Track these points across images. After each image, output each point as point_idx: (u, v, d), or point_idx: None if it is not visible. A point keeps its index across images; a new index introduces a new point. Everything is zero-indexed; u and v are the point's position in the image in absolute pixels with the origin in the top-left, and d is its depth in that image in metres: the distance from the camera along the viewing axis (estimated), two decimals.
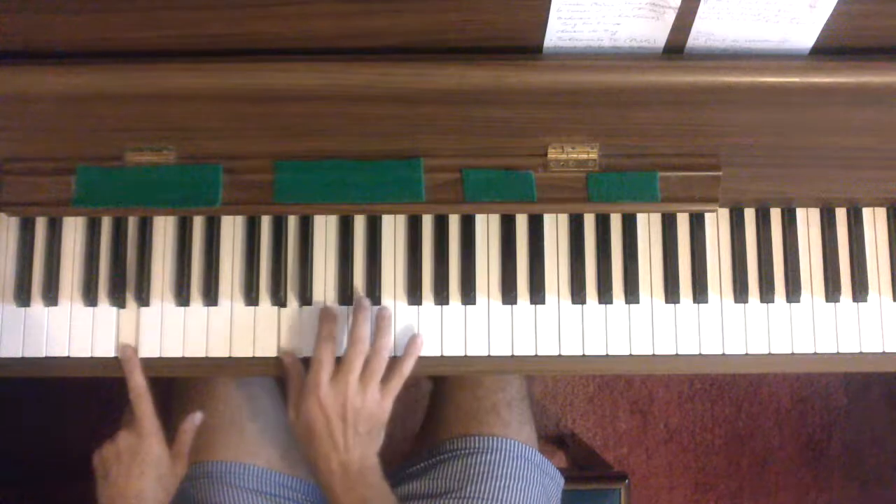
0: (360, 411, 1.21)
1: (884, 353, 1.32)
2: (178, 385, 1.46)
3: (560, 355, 1.30)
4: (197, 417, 1.30)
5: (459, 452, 1.39)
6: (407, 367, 1.27)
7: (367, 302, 1.29)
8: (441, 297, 1.30)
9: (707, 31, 1.13)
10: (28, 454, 2.28)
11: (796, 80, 1.13)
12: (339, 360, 1.24)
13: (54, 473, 2.26)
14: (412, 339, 1.29)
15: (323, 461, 1.21)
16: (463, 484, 1.35)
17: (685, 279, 1.32)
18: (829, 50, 1.15)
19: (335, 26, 1.12)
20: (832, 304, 1.32)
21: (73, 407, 2.28)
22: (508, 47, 1.15)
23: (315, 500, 1.43)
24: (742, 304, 1.32)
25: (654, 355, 1.30)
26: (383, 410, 1.24)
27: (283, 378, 1.29)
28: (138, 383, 1.26)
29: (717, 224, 1.33)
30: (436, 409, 1.51)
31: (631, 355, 1.31)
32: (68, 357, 1.30)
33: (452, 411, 1.46)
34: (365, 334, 1.25)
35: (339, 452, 1.20)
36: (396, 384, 1.25)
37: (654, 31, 1.13)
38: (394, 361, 1.26)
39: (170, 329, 1.30)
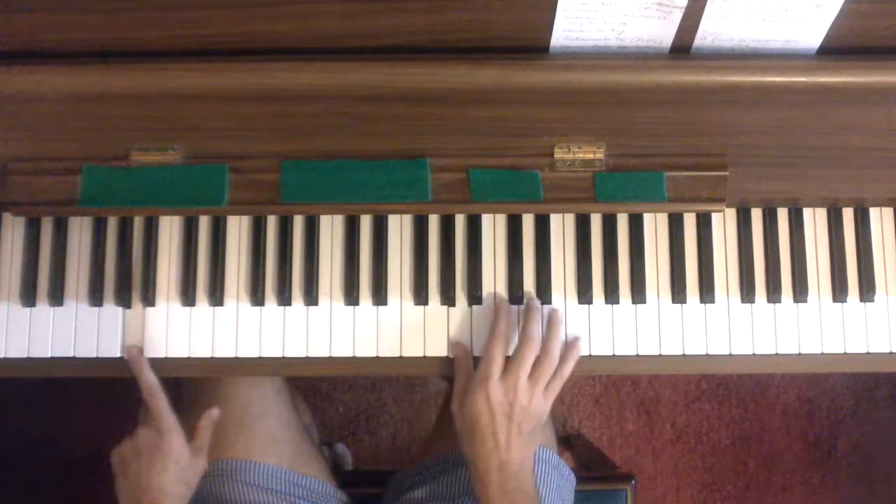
0: (525, 410, 1.21)
1: (891, 353, 1.31)
2: (188, 384, 1.46)
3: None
4: (214, 413, 1.30)
5: None
6: (567, 370, 1.26)
7: (537, 302, 1.29)
8: (447, 297, 1.30)
9: (714, 30, 1.13)
10: (31, 454, 2.28)
11: (803, 79, 1.13)
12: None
13: (56, 473, 2.27)
14: (573, 342, 1.29)
15: (482, 459, 1.20)
16: None
17: (692, 279, 1.32)
18: (836, 50, 1.15)
19: (342, 26, 1.12)
20: (839, 304, 1.32)
21: (75, 407, 2.28)
22: (515, 47, 1.15)
23: (324, 498, 1.43)
24: (749, 304, 1.31)
25: (660, 355, 1.30)
26: (544, 412, 1.24)
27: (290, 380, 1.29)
28: (149, 381, 1.26)
29: (723, 224, 1.33)
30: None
31: (637, 355, 1.30)
32: (74, 357, 1.30)
33: None
34: (537, 334, 1.25)
35: (499, 451, 1.19)
36: (557, 386, 1.25)
37: (660, 31, 1.13)
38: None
39: (176, 329, 1.30)
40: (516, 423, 1.20)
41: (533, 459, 1.23)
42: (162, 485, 1.21)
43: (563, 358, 1.27)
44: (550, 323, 1.28)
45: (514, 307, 1.30)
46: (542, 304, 1.30)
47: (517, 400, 1.21)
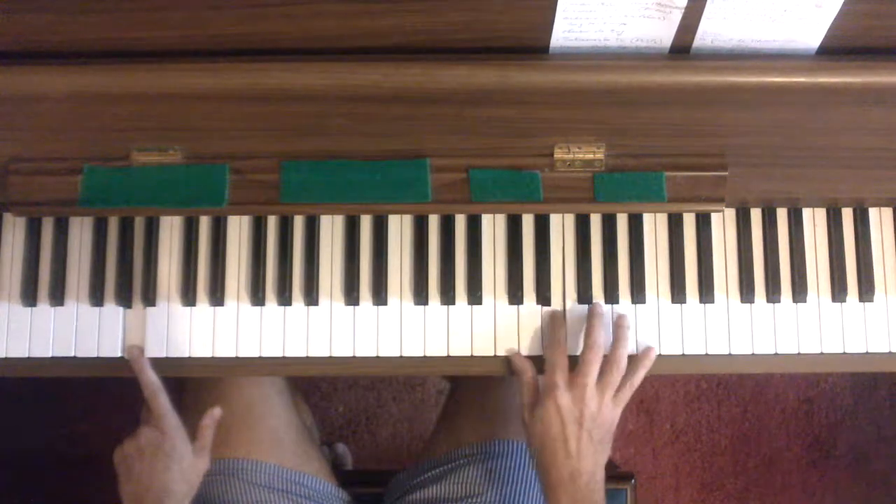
0: (595, 417, 1.21)
1: (890, 353, 1.31)
2: (190, 383, 1.46)
3: (567, 355, 1.30)
4: (216, 412, 1.30)
5: (482, 456, 1.39)
6: (638, 378, 1.26)
7: (601, 308, 1.29)
8: (448, 297, 1.30)
9: (713, 31, 1.13)
10: (31, 454, 2.28)
11: (803, 80, 1.13)
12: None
13: (57, 473, 2.27)
14: (645, 351, 1.28)
15: (555, 469, 1.19)
16: (485, 489, 1.35)
17: (691, 279, 1.32)
18: (835, 50, 1.14)
19: (341, 26, 1.12)
20: (838, 304, 1.32)
21: (76, 407, 2.28)
22: (514, 47, 1.15)
23: (326, 497, 1.43)
24: (748, 304, 1.31)
25: (660, 355, 1.30)
26: (614, 420, 1.24)
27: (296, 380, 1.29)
28: (151, 380, 1.26)
29: (723, 224, 1.33)
30: (456, 409, 1.50)
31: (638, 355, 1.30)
32: (75, 357, 1.30)
33: (476, 412, 1.45)
34: (601, 340, 1.25)
35: (571, 460, 1.19)
36: (627, 394, 1.25)
37: (660, 31, 1.13)
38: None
39: (176, 329, 1.30)
40: (587, 430, 1.20)
41: (603, 471, 1.22)
42: (165, 484, 1.21)
43: (633, 366, 1.26)
44: (617, 331, 1.28)
45: (540, 308, 1.31)
46: (542, 304, 1.30)
47: (586, 407, 1.20)
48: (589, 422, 1.20)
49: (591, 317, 1.28)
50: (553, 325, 1.28)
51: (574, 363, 1.26)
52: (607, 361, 1.24)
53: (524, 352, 1.30)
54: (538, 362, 1.29)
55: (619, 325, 1.28)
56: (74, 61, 1.14)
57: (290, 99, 1.16)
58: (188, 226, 1.32)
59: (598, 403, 1.21)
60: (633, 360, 1.27)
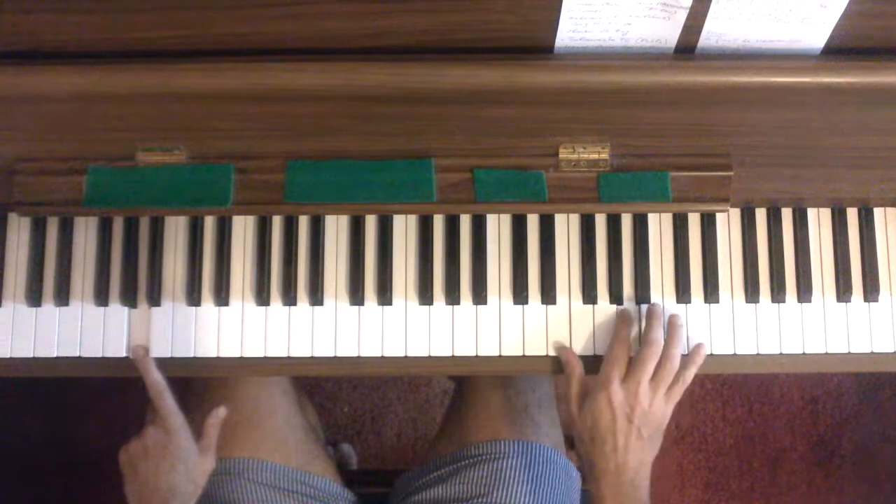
0: (646, 414, 1.22)
1: (895, 353, 1.31)
2: (195, 383, 1.47)
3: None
4: (221, 411, 1.30)
5: (489, 456, 1.38)
6: (689, 376, 1.26)
7: (659, 308, 1.30)
8: (452, 297, 1.30)
9: (718, 31, 1.13)
10: (34, 454, 2.29)
11: (807, 80, 1.13)
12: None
13: (58, 474, 2.27)
14: (696, 348, 1.29)
15: (601, 460, 1.21)
16: (490, 489, 1.35)
17: (696, 279, 1.32)
18: (840, 50, 1.14)
19: (346, 26, 1.12)
20: (843, 304, 1.32)
21: (79, 407, 2.28)
22: (519, 47, 1.15)
23: (332, 497, 1.43)
24: (753, 304, 1.31)
25: None
26: (665, 417, 1.24)
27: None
28: (156, 380, 1.26)
29: (728, 224, 1.33)
30: (462, 409, 1.50)
31: None
32: (80, 357, 1.31)
33: (482, 412, 1.45)
34: (659, 338, 1.26)
35: (617, 454, 1.20)
36: (679, 391, 1.25)
37: (665, 32, 1.13)
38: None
39: (181, 329, 1.30)
40: (636, 426, 1.21)
41: (649, 468, 1.24)
42: (170, 484, 1.22)
43: (685, 363, 1.26)
44: (671, 330, 1.28)
45: (545, 308, 1.32)
46: (547, 304, 1.30)
47: (638, 403, 1.21)
48: (640, 418, 1.21)
49: (649, 315, 1.29)
50: (620, 324, 1.29)
51: (587, 363, 1.27)
52: (661, 359, 1.25)
53: (530, 352, 1.30)
54: (545, 362, 1.30)
55: (672, 323, 1.29)
56: (79, 61, 1.14)
57: (295, 99, 1.16)
58: (193, 226, 1.33)
59: (651, 400, 1.22)
60: (684, 358, 1.27)
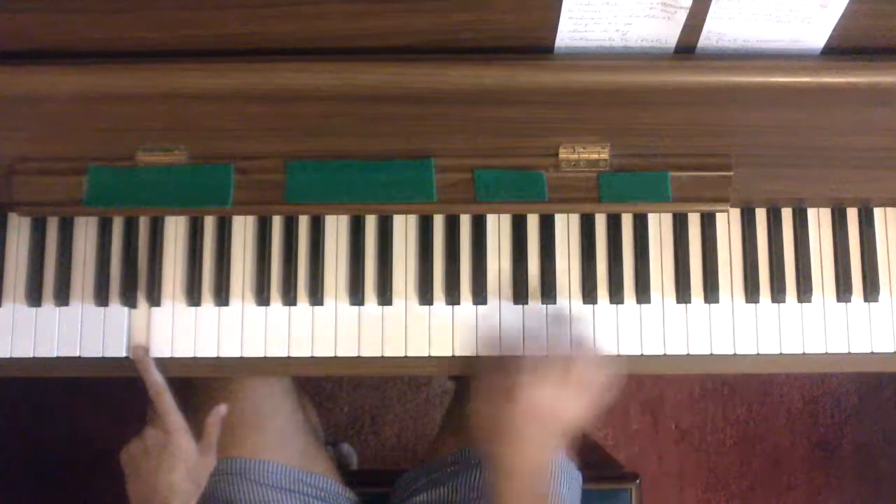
0: (553, 413, 1.19)
1: (895, 352, 1.31)
2: (195, 383, 1.46)
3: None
4: (222, 409, 1.30)
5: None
6: (600, 378, 1.22)
7: (566, 310, 1.30)
8: (453, 297, 1.30)
9: (718, 31, 1.13)
10: (34, 454, 2.29)
11: (807, 80, 1.13)
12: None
13: (59, 473, 2.27)
14: (604, 352, 1.29)
15: (506, 459, 1.18)
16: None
17: (696, 279, 1.32)
18: (840, 50, 1.14)
19: (348, 26, 1.12)
20: (843, 304, 1.32)
21: (79, 407, 2.28)
22: (520, 47, 1.15)
23: (334, 497, 1.43)
24: (753, 304, 1.31)
25: (665, 355, 1.30)
26: (572, 418, 1.21)
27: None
28: (156, 380, 1.26)
29: (728, 224, 1.33)
30: (461, 410, 1.50)
31: (642, 355, 1.31)
32: (79, 357, 1.31)
33: None
34: (566, 339, 1.27)
35: (522, 452, 1.17)
36: (588, 394, 1.21)
37: (665, 31, 1.13)
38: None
39: (181, 329, 1.30)
40: (542, 425, 1.19)
41: (549, 466, 1.23)
42: (171, 483, 1.22)
43: (595, 366, 1.24)
44: (581, 330, 1.28)
45: (545, 308, 1.32)
46: (547, 304, 1.30)
47: (546, 403, 1.20)
48: (546, 418, 1.18)
49: (557, 318, 1.29)
50: (530, 322, 1.29)
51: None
52: (571, 360, 1.22)
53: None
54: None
55: (581, 326, 1.29)
56: (80, 61, 1.14)
57: (295, 99, 1.16)
58: (193, 226, 1.33)
59: (559, 401, 1.19)
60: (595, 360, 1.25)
